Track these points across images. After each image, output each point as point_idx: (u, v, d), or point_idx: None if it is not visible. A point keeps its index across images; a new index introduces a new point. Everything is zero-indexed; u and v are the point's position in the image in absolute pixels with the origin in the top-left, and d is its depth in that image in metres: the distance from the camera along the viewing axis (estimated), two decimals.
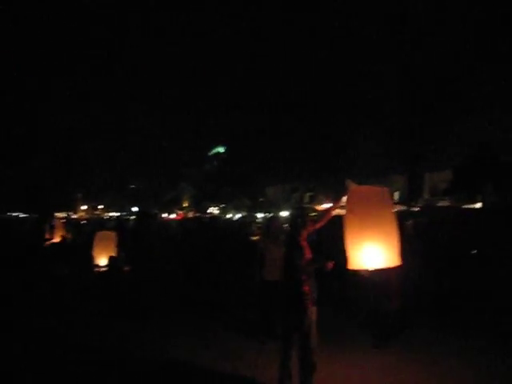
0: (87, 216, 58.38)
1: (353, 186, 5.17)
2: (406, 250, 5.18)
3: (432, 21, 26.25)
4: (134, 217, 33.49)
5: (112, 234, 12.33)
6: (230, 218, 36.81)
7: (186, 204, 64.41)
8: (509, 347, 7.31)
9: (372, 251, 4.82)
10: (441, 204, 38.95)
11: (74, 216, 55.02)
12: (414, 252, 9.62)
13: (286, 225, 7.81)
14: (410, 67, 26.73)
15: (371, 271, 4.95)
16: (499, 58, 26.01)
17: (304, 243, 5.58)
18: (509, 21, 25.10)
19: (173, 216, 52.73)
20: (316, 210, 19.76)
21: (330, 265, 5.24)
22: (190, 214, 50.58)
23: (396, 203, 36.83)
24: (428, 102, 26.79)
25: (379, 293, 7.61)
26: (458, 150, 34.57)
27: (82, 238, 16.32)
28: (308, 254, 5.54)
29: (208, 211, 53.75)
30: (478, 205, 36.72)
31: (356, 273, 5.27)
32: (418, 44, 26.42)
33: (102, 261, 11.50)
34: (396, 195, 44.11)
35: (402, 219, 12.91)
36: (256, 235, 15.11)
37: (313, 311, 5.51)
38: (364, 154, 30.95)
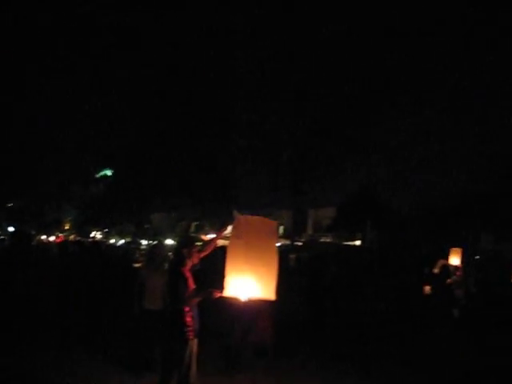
0: None
1: (240, 216, 5.15)
2: (287, 283, 5.23)
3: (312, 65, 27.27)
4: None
5: None
6: (113, 244, 35.69)
7: (67, 226, 61.75)
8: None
9: (250, 281, 4.79)
10: (323, 240, 40.38)
11: None
12: (295, 285, 9.87)
13: (170, 253, 7.65)
14: (299, 107, 27.57)
15: (245, 300, 4.91)
16: (382, 102, 27.59)
17: (188, 273, 5.45)
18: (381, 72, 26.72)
19: (52, 238, 50.26)
20: (202, 240, 19.65)
21: (217, 293, 5.12)
22: (71, 238, 48.51)
23: (281, 237, 37.71)
24: (313, 140, 27.77)
25: (245, 324, 7.60)
26: (342, 189, 36.11)
27: None
28: (191, 285, 5.42)
29: (91, 235, 51.86)
30: (358, 242, 38.42)
31: (229, 301, 5.20)
32: (305, 84, 27.33)
33: None
34: (281, 229, 45.18)
35: (285, 253, 13.31)
36: (139, 262, 14.70)
37: (194, 343, 5.37)
38: (251, 187, 31.41)
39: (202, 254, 5.74)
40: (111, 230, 50.82)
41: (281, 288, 5.12)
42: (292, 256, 12.47)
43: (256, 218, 5.19)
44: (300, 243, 31.96)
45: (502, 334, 8.86)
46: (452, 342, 8.74)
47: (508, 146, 41.08)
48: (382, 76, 26.74)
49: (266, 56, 27.48)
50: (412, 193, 44.87)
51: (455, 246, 12.91)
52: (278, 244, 5.46)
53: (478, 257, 25.73)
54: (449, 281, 10.23)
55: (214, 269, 5.61)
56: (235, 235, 5.05)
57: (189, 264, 5.49)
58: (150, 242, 31.52)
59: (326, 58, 26.87)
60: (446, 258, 11.98)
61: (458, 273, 11.12)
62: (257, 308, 6.33)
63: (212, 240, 6.07)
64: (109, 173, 60.20)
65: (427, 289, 10.27)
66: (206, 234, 31.16)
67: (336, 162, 28.84)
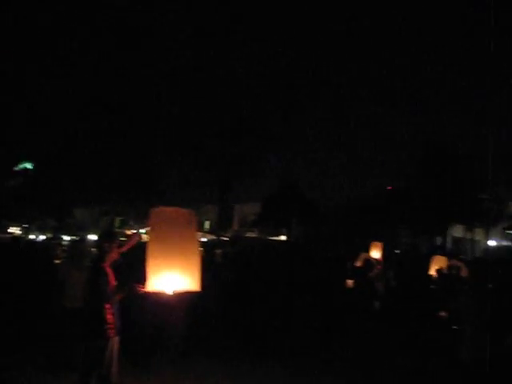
0: None
1: (155, 208, 5.04)
2: (213, 278, 5.18)
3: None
4: None
5: None
6: (33, 240, 34.39)
7: None
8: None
9: (173, 273, 4.71)
10: (249, 235, 40.68)
11: None
12: (221, 280, 9.85)
13: (94, 249, 7.40)
14: (226, 102, 27.60)
15: (168, 294, 4.81)
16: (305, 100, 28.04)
17: (108, 269, 5.29)
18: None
19: None
20: (126, 235, 19.27)
21: (139, 288, 4.98)
22: None
23: (207, 232, 37.68)
24: (239, 137, 27.88)
25: (164, 319, 7.48)
26: (268, 185, 36.48)
27: None
28: (112, 281, 5.27)
29: (9, 231, 49.74)
30: (283, 237, 38.93)
31: (151, 296, 5.08)
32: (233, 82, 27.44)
33: None
34: (207, 224, 45.21)
35: (212, 248, 13.25)
36: (60, 258, 14.22)
37: (115, 341, 5.22)
38: (177, 182, 31.16)
39: (123, 249, 5.59)
40: (31, 225, 48.95)
41: (207, 283, 5.07)
42: (218, 251, 12.41)
43: (171, 208, 5.10)
44: (226, 238, 32.03)
45: (420, 326, 9.20)
46: (373, 334, 8.97)
47: (424, 145, 43.02)
48: (306, 73, 27.18)
49: (191, 51, 27.36)
50: (336, 189, 45.97)
51: (376, 240, 13.29)
52: (196, 233, 5.34)
53: (397, 251, 26.76)
54: (370, 274, 10.49)
55: (137, 263, 5.47)
56: (152, 228, 4.95)
57: (109, 259, 5.33)
58: (73, 237, 30.62)
59: (251, 54, 27.07)
60: (368, 252, 12.32)
61: (378, 266, 11.43)
62: (175, 302, 6.18)
63: (134, 234, 5.93)
64: (29, 166, 57.93)
65: (350, 282, 10.49)
66: (131, 228, 30.64)
67: (261, 159, 29.10)
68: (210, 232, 37.69)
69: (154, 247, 4.78)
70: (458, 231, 46.58)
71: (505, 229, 50.69)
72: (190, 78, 26.49)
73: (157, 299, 5.21)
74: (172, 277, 4.67)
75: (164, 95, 26.91)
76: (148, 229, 5.05)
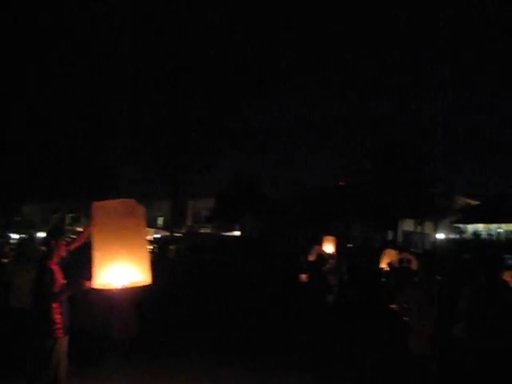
0: None
1: (97, 202, 4.90)
2: (167, 274, 5.10)
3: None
4: None
5: None
6: None
7: None
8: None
9: (119, 266, 4.57)
10: (202, 231, 40.53)
11: None
12: (174, 276, 9.76)
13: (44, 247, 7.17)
14: (174, 98, 27.25)
15: (117, 289, 4.68)
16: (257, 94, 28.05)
17: (56, 267, 5.13)
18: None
19: None
20: (77, 232, 18.90)
21: (88, 284, 4.83)
22: None
23: (160, 228, 37.31)
24: (193, 131, 27.62)
25: (111, 314, 7.33)
26: (221, 180, 36.38)
27: None
28: (60, 279, 5.11)
29: None
30: (237, 232, 38.95)
31: (99, 291, 4.95)
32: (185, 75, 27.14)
33: None
34: (160, 221, 44.78)
35: (165, 244, 13.12)
36: (8, 257, 13.82)
37: (63, 342, 5.07)
38: (129, 178, 30.68)
39: (72, 247, 5.42)
40: None
41: (160, 279, 4.99)
42: (172, 247, 12.31)
43: (114, 200, 4.98)
44: (180, 234, 31.83)
45: (372, 318, 9.33)
46: (327, 328, 9.05)
47: (376, 141, 43.78)
48: (260, 65, 27.21)
49: (139, 45, 26.94)
50: (289, 184, 46.28)
51: (329, 235, 13.42)
52: (143, 224, 5.20)
53: (350, 245, 27.11)
54: (324, 268, 10.58)
55: (88, 261, 5.32)
56: (95, 222, 4.81)
57: (56, 257, 5.17)
58: (22, 235, 29.81)
59: (203, 43, 26.91)
60: (321, 246, 12.41)
61: (331, 260, 11.53)
62: (124, 296, 6.05)
63: (83, 232, 5.76)
64: None
65: (304, 277, 10.55)
66: (82, 226, 30.03)
67: (214, 153, 28.92)
68: (163, 228, 37.37)
69: (98, 241, 4.64)
70: (408, 225, 47.59)
71: (452, 222, 52.15)
72: (139, 71, 25.98)
73: (104, 294, 5.09)
74: (119, 270, 4.53)
75: (115, 87, 26.36)
76: (92, 223, 4.89)
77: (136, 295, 6.20)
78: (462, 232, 51.95)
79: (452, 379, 6.36)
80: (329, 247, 12.57)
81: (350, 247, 24.58)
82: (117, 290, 4.60)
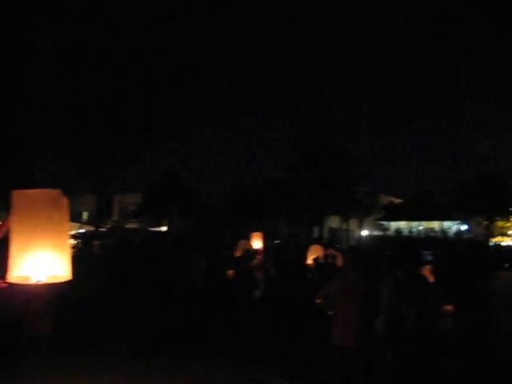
0: None
1: (17, 191, 4.69)
2: (91, 270, 4.97)
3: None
4: None
5: None
6: None
7: None
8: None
9: (38, 260, 4.39)
10: (129, 226, 39.91)
11: None
12: (99, 272, 9.54)
13: None
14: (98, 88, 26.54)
15: (34, 284, 4.48)
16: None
17: None
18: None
19: None
20: None
21: (3, 282, 4.59)
22: None
23: (85, 223, 36.42)
24: (120, 125, 27.00)
25: (28, 311, 7.06)
26: (148, 174, 35.86)
27: None
28: None
29: None
30: (164, 228, 38.60)
31: (15, 287, 4.73)
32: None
33: None
34: (85, 215, 43.68)
35: (89, 239, 12.83)
36: None
37: None
38: (53, 170, 29.66)
39: None
40: None
41: (83, 274, 4.85)
42: (96, 242, 12.05)
43: (37, 190, 4.79)
44: (105, 229, 31.20)
45: (297, 313, 9.45)
46: (252, 323, 9.09)
47: (303, 140, 44.53)
48: (192, 61, 27.04)
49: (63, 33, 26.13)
50: (218, 180, 46.24)
51: (256, 231, 13.49)
52: (66, 215, 5.02)
53: (277, 241, 27.46)
54: (250, 264, 10.62)
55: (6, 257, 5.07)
56: (14, 211, 4.61)
57: None
58: None
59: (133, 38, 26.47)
60: (247, 241, 12.45)
61: (258, 256, 11.59)
62: (39, 292, 5.83)
63: (2, 226, 5.51)
64: None
65: (230, 272, 10.55)
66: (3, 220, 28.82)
67: (142, 147, 28.42)
68: (88, 223, 36.50)
69: (17, 231, 4.44)
70: (334, 222, 48.73)
71: (376, 220, 53.87)
72: (63, 58, 25.18)
73: (20, 289, 4.88)
74: (38, 263, 4.35)
75: (38, 82, 25.42)
76: (12, 212, 4.67)
77: (54, 291, 5.99)
78: (385, 229, 53.81)
79: (376, 372, 6.54)
80: (256, 243, 12.64)
81: (277, 243, 24.86)
82: (34, 284, 4.42)
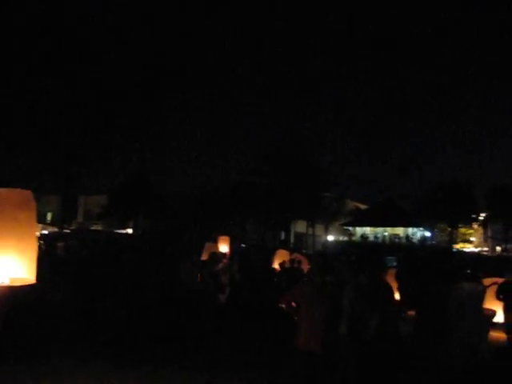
0: None
1: None
2: (54, 272, 4.90)
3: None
4: None
5: None
6: None
7: None
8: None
9: (2, 261, 4.27)
10: (94, 228, 39.42)
11: None
12: (62, 274, 9.41)
13: None
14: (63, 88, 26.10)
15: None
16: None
17: None
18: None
19: None
20: None
21: None
22: None
23: (49, 224, 35.82)
24: (86, 124, 26.63)
25: None
26: (113, 176, 35.45)
27: None
28: None
29: None
30: (130, 230, 38.25)
31: None
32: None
33: None
34: (49, 216, 42.95)
35: (53, 241, 12.63)
36: None
37: None
38: (16, 170, 29.02)
39: None
40: None
41: (46, 276, 4.79)
42: (60, 244, 11.87)
43: (5, 189, 4.68)
44: (69, 231, 30.78)
45: (262, 317, 9.47)
46: (218, 328, 9.08)
47: (271, 143, 44.75)
48: (163, 60, 26.91)
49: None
50: (183, 182, 46.06)
51: (223, 235, 13.51)
52: (34, 216, 4.92)
53: (243, 245, 27.47)
54: (216, 267, 10.60)
55: None
56: None
57: None
58: None
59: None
60: (214, 244, 12.45)
61: (224, 260, 11.59)
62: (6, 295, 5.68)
63: None
64: None
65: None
66: None
67: (108, 148, 28.02)
68: (51, 224, 35.91)
69: None
70: (300, 227, 48.95)
71: (342, 225, 54.32)
72: (30, 57, 24.74)
73: None
74: (1, 266, 4.24)
75: (5, 78, 24.89)
76: None
77: (14, 294, 5.86)
78: (351, 234, 54.29)
79: (342, 376, 6.59)
80: (223, 247, 12.64)
81: (243, 247, 24.89)
82: None
